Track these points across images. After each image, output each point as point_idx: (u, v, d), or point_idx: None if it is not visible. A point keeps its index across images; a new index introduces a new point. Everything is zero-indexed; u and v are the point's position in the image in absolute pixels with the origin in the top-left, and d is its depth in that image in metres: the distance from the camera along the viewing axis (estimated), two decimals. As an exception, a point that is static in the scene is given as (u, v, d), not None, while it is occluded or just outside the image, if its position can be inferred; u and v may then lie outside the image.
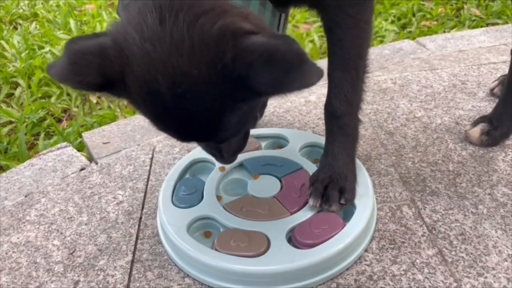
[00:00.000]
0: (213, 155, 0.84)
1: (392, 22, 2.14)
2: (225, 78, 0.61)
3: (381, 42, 1.99)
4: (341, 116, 0.91)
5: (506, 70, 1.39)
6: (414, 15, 2.15)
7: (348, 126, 0.93)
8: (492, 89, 1.29)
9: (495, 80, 1.30)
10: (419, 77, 1.39)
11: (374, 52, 1.57)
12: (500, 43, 1.58)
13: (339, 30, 0.86)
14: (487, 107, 1.24)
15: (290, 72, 0.58)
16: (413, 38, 1.97)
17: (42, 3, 2.63)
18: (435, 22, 2.16)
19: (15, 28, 2.40)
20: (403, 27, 2.12)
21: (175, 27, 0.60)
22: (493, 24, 2.02)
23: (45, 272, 0.86)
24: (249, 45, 0.60)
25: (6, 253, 0.91)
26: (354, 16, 0.86)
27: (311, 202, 0.88)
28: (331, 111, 0.92)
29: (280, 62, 0.58)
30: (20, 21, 2.46)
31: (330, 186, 0.89)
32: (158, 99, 0.63)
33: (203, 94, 0.63)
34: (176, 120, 0.66)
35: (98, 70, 0.63)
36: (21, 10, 2.54)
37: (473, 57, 1.49)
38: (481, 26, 2.03)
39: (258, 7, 0.71)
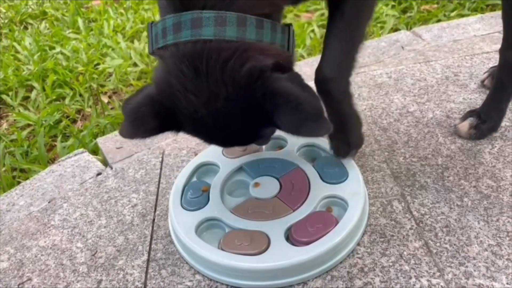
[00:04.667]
0: None
1: (393, 7, 2.17)
2: (254, 111, 0.75)
3: (382, 28, 2.04)
4: (329, 81, 0.94)
5: (498, 60, 1.44)
6: (415, -2, 2.18)
7: (338, 91, 0.96)
8: (482, 81, 1.34)
9: (486, 72, 1.35)
10: (414, 70, 1.45)
11: (371, 45, 1.63)
12: (495, 30, 1.62)
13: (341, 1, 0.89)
14: (478, 99, 1.30)
15: (308, 122, 0.71)
16: (413, 24, 2.01)
17: (49, 1, 2.70)
18: (435, 6, 2.19)
19: (26, 28, 2.48)
20: (404, 11, 2.16)
21: (210, 77, 0.72)
22: (493, 5, 2.05)
23: (71, 272, 0.97)
24: (279, 89, 0.72)
25: (36, 256, 1.01)
26: None
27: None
28: (321, 77, 0.95)
29: (302, 112, 0.71)
30: (30, 21, 2.54)
31: (341, 141, 1.03)
32: (204, 129, 0.80)
33: (238, 123, 0.78)
34: (220, 143, 0.87)
35: (153, 116, 0.77)
36: (30, 10, 2.62)
37: (467, 47, 1.54)
38: (481, 8, 2.06)
39: (270, 34, 0.77)
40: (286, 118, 0.72)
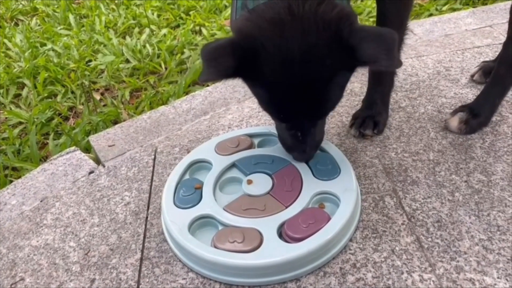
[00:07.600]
0: (292, 150, 1.03)
1: (385, 1, 2.17)
2: (341, 48, 0.83)
3: (374, 22, 2.03)
4: None
5: (489, 54, 1.45)
6: (407, -8, 2.18)
7: (384, 79, 1.21)
8: (472, 75, 1.35)
9: (476, 66, 1.36)
10: (405, 65, 1.45)
11: (363, 40, 1.62)
12: (486, 24, 1.63)
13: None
14: (469, 94, 1.30)
15: (387, 53, 0.80)
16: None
17: (40, -3, 2.68)
18: (427, 0, 2.19)
19: (16, 24, 2.46)
20: (396, 5, 2.15)
21: (304, 17, 0.83)
22: (484, -1, 2.05)
23: (64, 272, 0.97)
24: (363, 27, 0.87)
25: (28, 256, 1.01)
26: None
27: (352, 131, 1.21)
28: None
29: (383, 42, 0.81)
30: (21, 17, 2.51)
31: (367, 119, 1.20)
32: (289, 67, 0.84)
33: (325, 58, 0.85)
34: (298, 86, 0.87)
35: (232, 55, 0.81)
36: (20, 6, 2.60)
37: (458, 41, 1.55)
38: (473, 2, 2.06)
39: (346, 2, 0.91)
40: (368, 47, 0.81)
